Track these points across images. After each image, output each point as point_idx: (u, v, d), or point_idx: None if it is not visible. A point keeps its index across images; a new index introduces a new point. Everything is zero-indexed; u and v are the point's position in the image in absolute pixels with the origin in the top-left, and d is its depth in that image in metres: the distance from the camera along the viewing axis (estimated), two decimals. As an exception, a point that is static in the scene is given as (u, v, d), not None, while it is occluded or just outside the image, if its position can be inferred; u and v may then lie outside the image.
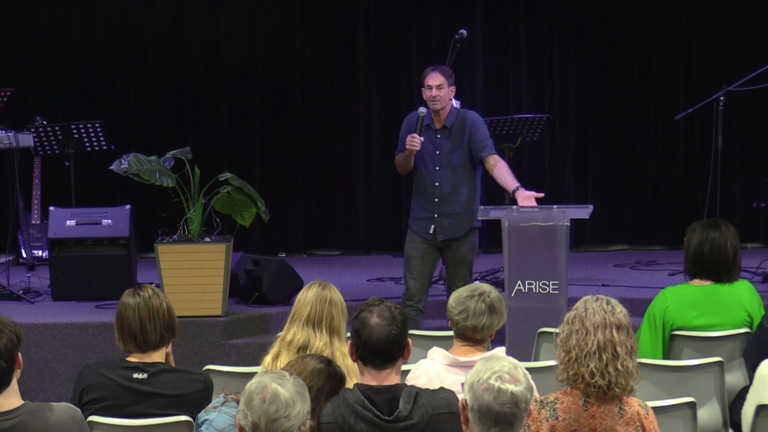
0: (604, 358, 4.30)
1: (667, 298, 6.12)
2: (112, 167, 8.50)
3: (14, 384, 4.21)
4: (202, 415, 4.52)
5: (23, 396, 4.28)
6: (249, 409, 3.69)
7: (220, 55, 11.39)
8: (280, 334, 5.18)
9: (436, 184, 8.07)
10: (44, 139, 9.86)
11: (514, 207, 7.57)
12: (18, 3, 11.28)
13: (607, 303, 4.40)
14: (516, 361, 3.80)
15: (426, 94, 8.00)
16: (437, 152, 8.06)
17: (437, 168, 8.06)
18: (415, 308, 7.99)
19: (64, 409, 4.27)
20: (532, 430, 4.31)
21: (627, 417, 4.33)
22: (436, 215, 8.07)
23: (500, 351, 4.96)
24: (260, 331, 8.63)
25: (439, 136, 8.06)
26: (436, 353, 5.03)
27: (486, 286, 5.11)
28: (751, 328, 6.06)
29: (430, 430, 4.21)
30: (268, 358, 5.12)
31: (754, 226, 11.30)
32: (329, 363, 4.38)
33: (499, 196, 9.19)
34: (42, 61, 11.30)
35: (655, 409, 4.56)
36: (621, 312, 4.39)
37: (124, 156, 8.50)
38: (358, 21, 11.47)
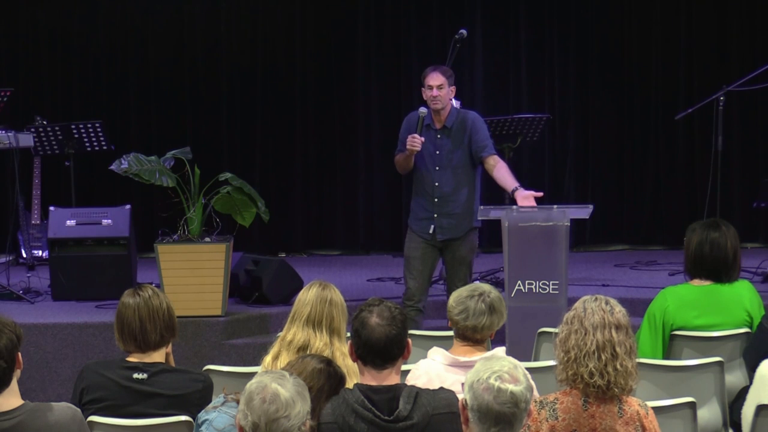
0: (603, 358, 4.30)
1: (667, 298, 6.12)
2: (112, 167, 8.50)
3: (14, 384, 4.21)
4: (202, 415, 4.52)
5: (23, 396, 4.28)
6: (249, 409, 3.69)
7: (220, 55, 11.39)
8: (280, 334, 5.18)
9: (436, 184, 8.07)
10: (44, 139, 9.86)
11: (514, 207, 7.57)
12: (18, 3, 11.28)
13: (606, 303, 4.40)
14: (516, 361, 3.80)
15: (426, 94, 8.01)
16: (437, 152, 8.06)
17: (437, 168, 8.07)
18: (415, 308, 8.00)
19: (64, 409, 4.27)
20: (532, 430, 4.31)
21: (627, 417, 4.33)
22: (435, 215, 8.07)
23: (500, 351, 4.96)
24: (260, 331, 8.63)
25: (439, 136, 8.06)
26: (436, 353, 5.03)
27: (486, 286, 5.11)
28: (751, 328, 6.06)
29: (430, 430, 4.21)
30: (268, 358, 5.12)
31: (754, 226, 11.30)
32: (329, 363, 4.38)
33: (499, 196, 9.19)
34: (42, 61, 11.30)
35: (655, 409, 4.56)
36: (620, 312, 4.39)
37: (124, 156, 8.50)
38: (358, 21, 11.47)
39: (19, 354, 4.21)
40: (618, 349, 4.32)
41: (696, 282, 6.17)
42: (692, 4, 11.38)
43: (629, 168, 11.50)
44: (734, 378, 6.00)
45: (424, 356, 5.10)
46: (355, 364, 4.41)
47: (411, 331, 4.73)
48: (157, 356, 5.03)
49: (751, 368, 5.64)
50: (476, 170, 8.10)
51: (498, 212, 7.56)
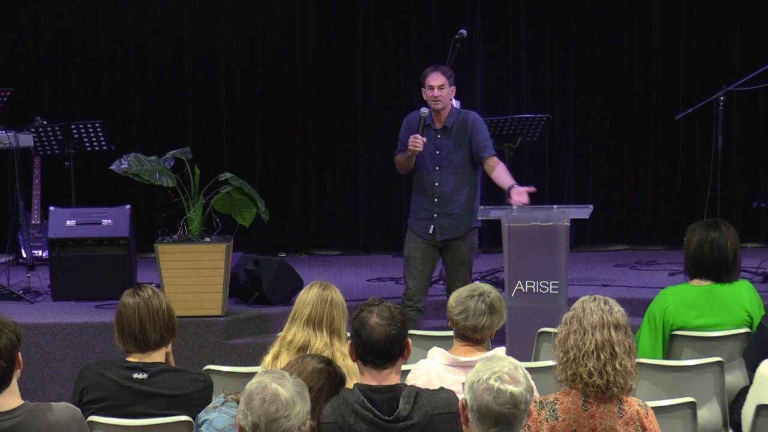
0: (602, 357, 4.30)
1: (667, 298, 6.12)
2: (112, 167, 8.50)
3: (14, 384, 4.21)
4: (202, 415, 4.52)
5: (23, 396, 4.28)
6: (249, 409, 3.69)
7: (220, 55, 11.39)
8: (280, 334, 5.18)
9: (436, 184, 8.07)
10: (44, 139, 9.86)
11: (514, 207, 7.57)
12: (18, 3, 11.28)
13: (605, 303, 4.40)
14: (516, 362, 3.80)
15: (427, 94, 8.01)
16: (437, 152, 8.06)
17: (437, 168, 8.07)
18: (414, 308, 8.00)
19: (64, 409, 4.28)
20: (533, 430, 4.31)
21: (627, 417, 4.33)
22: (435, 215, 8.07)
23: (500, 351, 4.96)
24: (260, 331, 8.63)
25: (439, 136, 8.07)
26: (436, 353, 5.03)
27: (486, 286, 5.11)
28: (751, 328, 6.06)
29: (430, 430, 4.21)
30: (268, 358, 5.12)
31: (754, 226, 11.30)
32: (329, 363, 4.38)
33: (499, 196, 9.16)
34: (42, 61, 11.30)
35: (655, 409, 4.56)
36: (619, 312, 4.39)
37: (124, 156, 8.50)
38: (358, 21, 11.47)
39: (19, 354, 4.21)
40: (617, 348, 4.32)
41: (696, 282, 6.17)
42: (692, 4, 11.38)
43: (629, 168, 11.50)
44: (734, 378, 6.00)
45: (424, 356, 5.10)
46: (355, 364, 4.41)
47: (411, 331, 4.73)
48: (157, 356, 5.03)
49: (751, 368, 5.64)
50: (476, 170, 8.10)
51: (498, 212, 7.57)
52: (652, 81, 11.41)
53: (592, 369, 4.30)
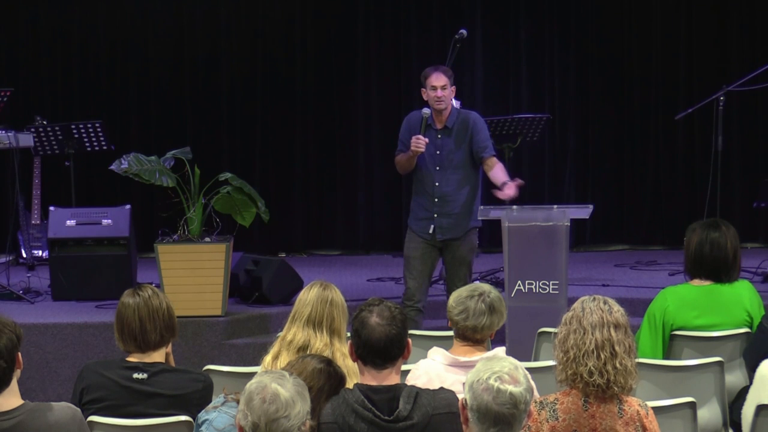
0: (602, 356, 4.30)
1: (667, 298, 6.12)
2: (112, 167, 8.50)
3: (14, 384, 4.21)
4: (202, 415, 4.52)
5: (23, 396, 4.28)
6: (249, 409, 3.69)
7: (220, 55, 11.39)
8: (280, 334, 5.18)
9: (437, 184, 8.07)
10: (44, 139, 9.86)
11: (514, 207, 7.59)
12: (18, 3, 11.28)
13: (604, 303, 4.40)
14: (517, 362, 3.80)
15: (429, 95, 8.00)
16: (438, 152, 8.06)
17: (438, 168, 8.07)
18: (414, 308, 8.00)
19: (64, 408, 4.28)
20: (533, 430, 4.31)
21: (627, 417, 4.33)
22: (435, 215, 8.07)
23: (500, 351, 4.96)
24: (260, 331, 8.63)
25: (440, 136, 8.07)
26: (436, 353, 5.03)
27: (486, 286, 5.11)
28: (751, 328, 6.06)
29: (430, 430, 4.21)
30: (268, 358, 5.12)
31: (754, 226, 11.30)
32: (329, 363, 4.38)
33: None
34: (42, 61, 11.30)
35: (655, 409, 4.56)
36: (618, 311, 4.39)
37: (124, 156, 8.50)
38: (358, 21, 11.47)
39: (19, 354, 4.21)
40: (617, 347, 4.32)
41: (696, 282, 6.17)
42: (692, 4, 11.38)
43: (629, 168, 11.50)
44: (734, 378, 6.00)
45: (424, 356, 5.10)
46: (355, 364, 4.41)
47: (411, 331, 4.73)
48: (157, 356, 5.03)
49: (751, 368, 5.64)
50: (477, 170, 8.11)
51: (498, 212, 7.57)
52: (652, 81, 11.41)
53: (592, 368, 4.30)
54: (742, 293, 6.13)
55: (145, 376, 4.97)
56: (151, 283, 5.81)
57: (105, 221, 9.19)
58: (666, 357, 6.06)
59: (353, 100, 11.51)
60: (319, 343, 5.05)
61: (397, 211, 11.26)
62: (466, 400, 3.75)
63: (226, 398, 4.52)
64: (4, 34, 11.29)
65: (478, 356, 4.91)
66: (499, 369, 3.73)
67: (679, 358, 6.00)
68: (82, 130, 9.86)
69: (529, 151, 11.26)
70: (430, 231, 8.08)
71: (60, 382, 8.26)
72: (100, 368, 5.05)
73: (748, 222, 11.08)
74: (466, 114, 8.15)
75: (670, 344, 6.08)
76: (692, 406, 5.21)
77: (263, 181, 11.23)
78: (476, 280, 8.92)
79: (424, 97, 8.07)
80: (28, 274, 9.64)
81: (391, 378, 4.32)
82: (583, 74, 11.47)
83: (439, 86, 7.96)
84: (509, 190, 7.67)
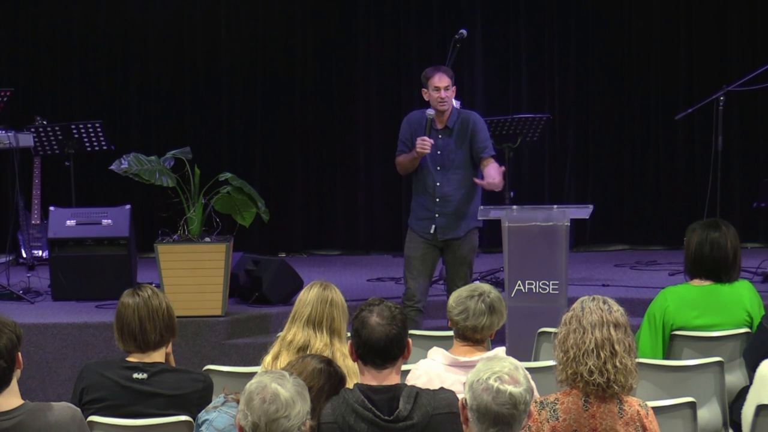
0: (602, 355, 4.30)
1: (667, 298, 6.12)
2: (112, 167, 8.50)
3: (14, 384, 4.21)
4: (202, 415, 4.53)
5: (23, 396, 4.28)
6: (249, 409, 3.69)
7: (220, 55, 11.39)
8: (280, 334, 5.18)
9: (437, 184, 8.07)
10: (44, 139, 9.86)
11: (514, 207, 7.59)
12: (18, 3, 11.28)
13: (604, 302, 4.40)
14: (517, 362, 3.80)
15: (433, 96, 7.99)
16: (438, 152, 8.06)
17: (438, 168, 8.07)
18: (415, 308, 8.00)
19: (64, 408, 4.28)
20: (533, 430, 4.31)
21: (627, 417, 4.33)
22: (436, 215, 8.07)
23: (500, 351, 4.96)
24: (260, 331, 8.63)
25: (441, 136, 8.07)
26: (436, 353, 5.03)
27: (486, 286, 5.11)
28: (751, 328, 6.06)
29: (430, 430, 4.21)
30: (268, 358, 5.12)
31: (754, 226, 11.30)
32: (329, 363, 4.38)
33: (499, 195, 9.19)
34: (42, 61, 11.30)
35: (655, 409, 4.56)
36: (618, 311, 4.40)
37: (124, 156, 8.50)
38: (358, 21, 11.47)
39: (19, 354, 4.21)
40: (617, 347, 4.32)
41: (696, 282, 6.17)
42: (692, 4, 11.38)
43: (629, 168, 11.50)
44: (734, 378, 6.00)
45: (424, 356, 5.10)
46: (355, 364, 4.41)
47: (411, 331, 4.73)
48: (157, 356, 5.03)
49: (751, 368, 5.64)
50: (478, 170, 8.11)
51: (498, 212, 7.58)
52: (652, 81, 11.41)
53: (592, 367, 4.30)
54: (742, 293, 6.13)
55: (145, 376, 4.97)
56: (151, 283, 5.82)
57: (105, 221, 9.19)
58: (666, 357, 6.06)
59: (353, 100, 11.51)
60: (319, 343, 5.05)
61: (397, 211, 11.26)
62: (466, 400, 3.75)
63: (226, 398, 4.52)
64: (4, 34, 11.29)
65: (478, 356, 4.91)
66: (499, 369, 3.73)
67: (679, 358, 6.00)
68: (82, 130, 9.86)
69: (529, 151, 11.26)
70: (432, 231, 8.08)
71: (60, 382, 8.26)
72: (100, 368, 5.05)
73: (748, 222, 11.07)
74: (466, 114, 8.15)
75: (670, 344, 6.08)
76: (692, 406, 5.22)
77: (263, 181, 11.23)
78: (476, 280, 8.92)
79: (426, 98, 8.07)
80: (28, 274, 9.64)
81: (391, 378, 4.32)
82: (583, 74, 11.46)
83: (443, 87, 7.96)
84: (490, 179, 7.77)
